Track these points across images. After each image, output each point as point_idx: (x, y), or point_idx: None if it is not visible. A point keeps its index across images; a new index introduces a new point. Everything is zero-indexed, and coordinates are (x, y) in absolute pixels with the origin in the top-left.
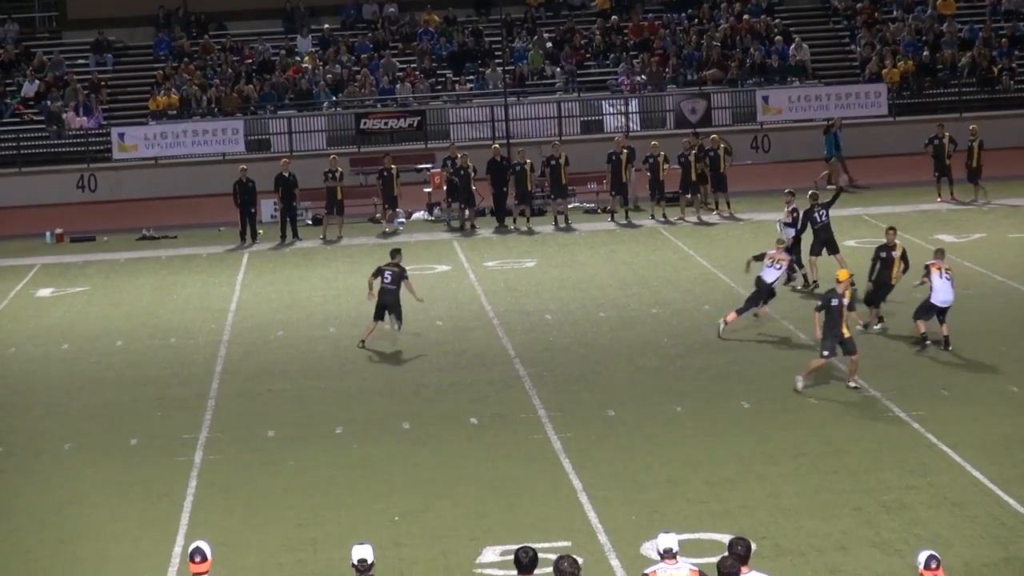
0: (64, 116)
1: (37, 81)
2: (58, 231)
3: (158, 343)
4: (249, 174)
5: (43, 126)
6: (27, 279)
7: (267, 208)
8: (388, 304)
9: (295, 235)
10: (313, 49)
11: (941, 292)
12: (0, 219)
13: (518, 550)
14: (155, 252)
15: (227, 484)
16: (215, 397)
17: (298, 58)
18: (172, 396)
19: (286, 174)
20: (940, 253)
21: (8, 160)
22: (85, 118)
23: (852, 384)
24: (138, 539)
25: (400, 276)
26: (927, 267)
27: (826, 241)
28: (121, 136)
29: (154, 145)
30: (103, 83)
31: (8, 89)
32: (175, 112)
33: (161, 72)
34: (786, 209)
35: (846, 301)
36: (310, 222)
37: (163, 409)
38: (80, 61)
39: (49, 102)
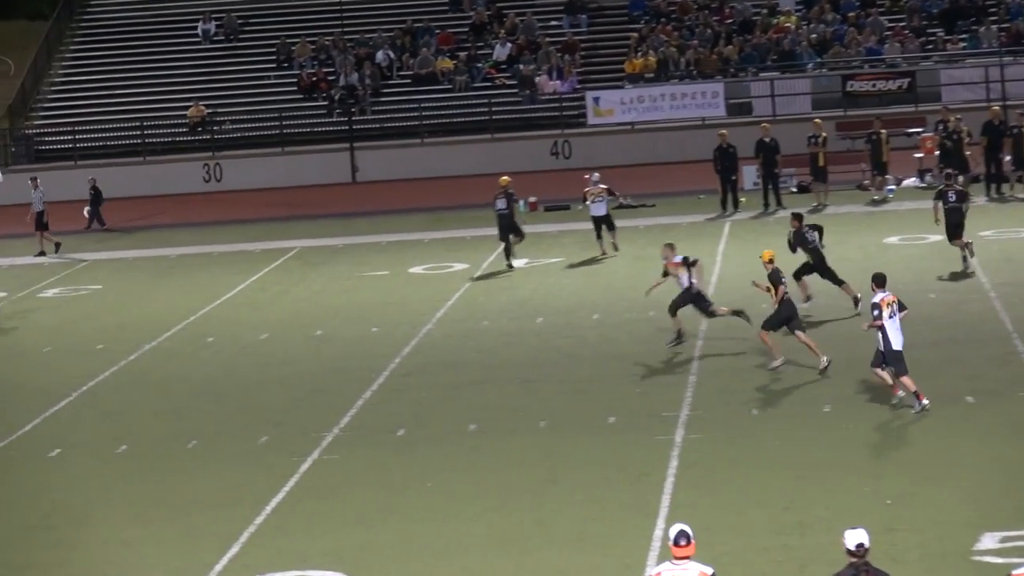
0: (536, 80)
1: (509, 44)
2: (532, 199)
3: (636, 316)
4: (730, 139)
5: (515, 91)
6: (500, 248)
7: (749, 175)
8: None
9: (778, 203)
10: (796, 8)
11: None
12: (471, 187)
13: None
14: (633, 221)
15: (709, 464)
16: (696, 373)
17: (780, 17)
18: (650, 372)
19: (767, 139)
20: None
21: (480, 126)
22: (558, 82)
23: None
24: (616, 520)
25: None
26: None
27: None
28: (596, 100)
29: (631, 110)
30: (577, 45)
31: (480, 52)
32: (652, 75)
33: (637, 33)
34: None
35: None
36: (794, 190)
37: (641, 385)
38: (553, 22)
39: (521, 66)
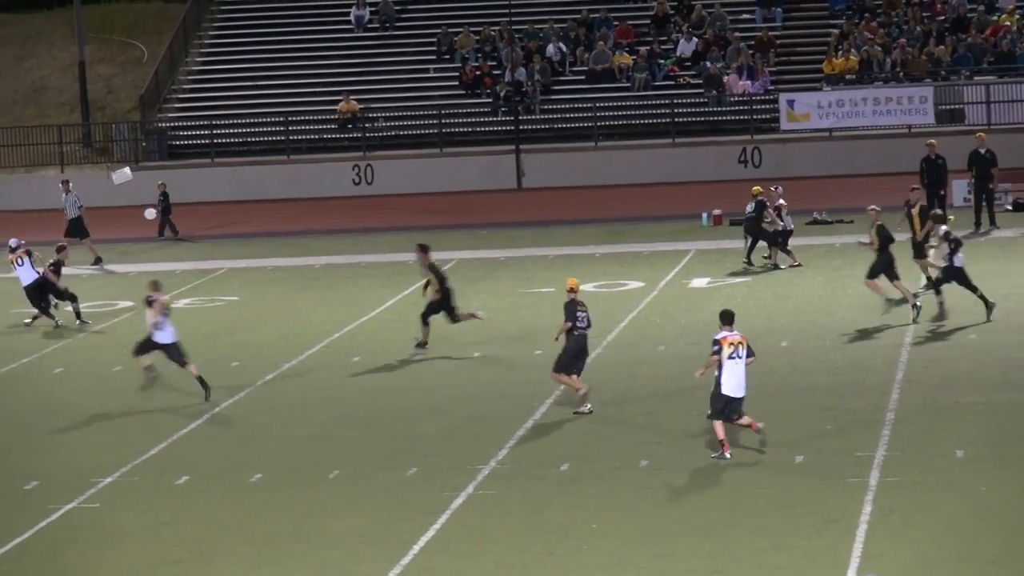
0: (725, 79)
1: (694, 39)
2: (716, 212)
3: (829, 344)
4: (938, 150)
5: (700, 91)
6: (680, 266)
7: (959, 189)
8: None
9: (992, 222)
10: (1016, 6)
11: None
12: (649, 197)
13: None
14: (827, 239)
15: (906, 511)
16: (894, 409)
17: (999, 15)
18: (844, 407)
19: (982, 151)
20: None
21: (660, 130)
22: (749, 82)
23: None
24: (802, 570)
25: None
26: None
27: None
28: (790, 103)
29: (829, 114)
30: (771, 42)
31: (662, 48)
32: (853, 76)
33: (838, 30)
34: None
35: None
36: (1009, 207)
37: (833, 422)
38: (744, 16)
39: (708, 63)
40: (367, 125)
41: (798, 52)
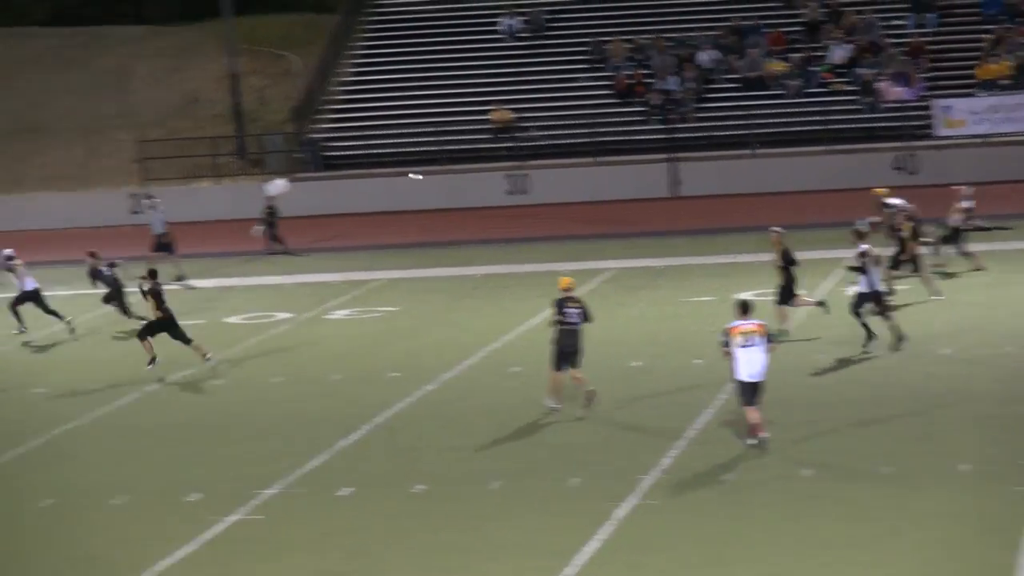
0: (878, 86)
1: (847, 45)
2: (873, 220)
3: (991, 352)
4: None
5: (854, 98)
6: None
7: None
8: None
9: None
10: None
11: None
12: (804, 204)
13: None
14: (989, 246)
15: None
16: None
17: None
18: (1010, 415)
19: None
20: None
21: (813, 137)
22: (902, 88)
23: None
24: None
25: None
26: None
27: None
28: (946, 110)
29: (984, 120)
30: (924, 47)
31: (815, 55)
32: (1008, 82)
33: (992, 35)
34: None
35: None
36: None
37: (998, 429)
38: (896, 22)
39: (861, 70)
40: (520, 135)
41: (952, 57)
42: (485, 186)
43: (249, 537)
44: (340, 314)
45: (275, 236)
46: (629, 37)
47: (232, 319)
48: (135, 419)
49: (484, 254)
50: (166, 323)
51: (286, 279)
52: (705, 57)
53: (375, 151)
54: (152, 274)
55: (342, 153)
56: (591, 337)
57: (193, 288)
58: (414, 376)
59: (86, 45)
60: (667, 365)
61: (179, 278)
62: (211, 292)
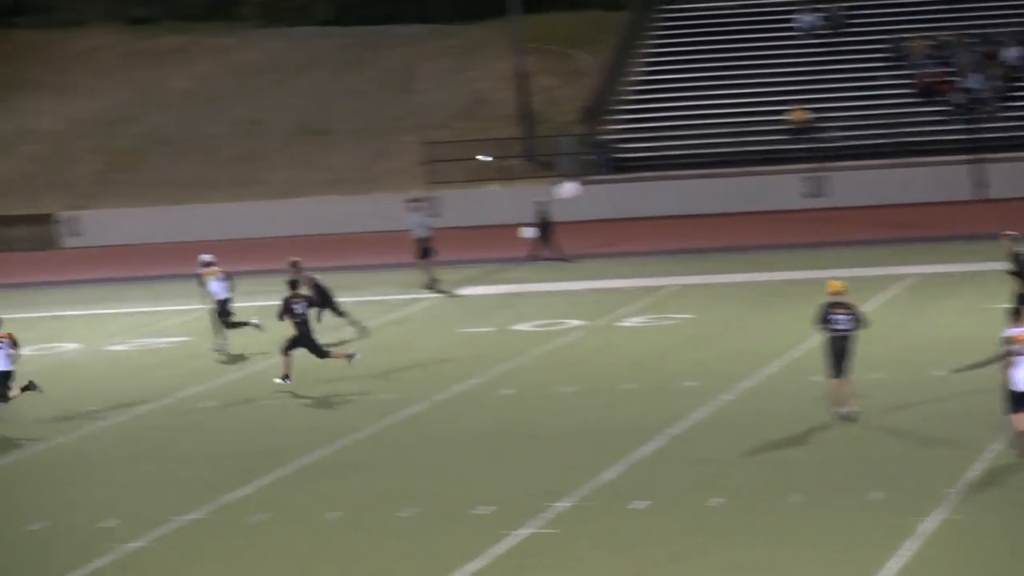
0: None
1: None
2: None
3: None
4: None
5: None
6: None
7: None
8: None
9: None
10: None
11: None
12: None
13: None
14: None
15: None
16: None
17: None
18: None
19: None
20: None
21: None
22: None
23: None
24: None
25: None
26: None
27: None
28: None
29: None
30: None
31: None
32: None
33: None
34: None
35: None
36: None
37: None
38: None
39: None
40: (818, 135)
41: None
42: (781, 189)
43: (539, 551)
44: (633, 321)
45: (548, 241)
46: (930, 34)
47: (521, 326)
48: (424, 428)
49: (781, 259)
50: (301, 339)
51: (575, 285)
52: (1011, 54)
53: (667, 153)
54: (293, 285)
55: (633, 155)
56: (891, 343)
57: (455, 296)
58: (710, 385)
59: (370, 45)
60: (971, 374)
61: (430, 285)
62: (497, 299)
